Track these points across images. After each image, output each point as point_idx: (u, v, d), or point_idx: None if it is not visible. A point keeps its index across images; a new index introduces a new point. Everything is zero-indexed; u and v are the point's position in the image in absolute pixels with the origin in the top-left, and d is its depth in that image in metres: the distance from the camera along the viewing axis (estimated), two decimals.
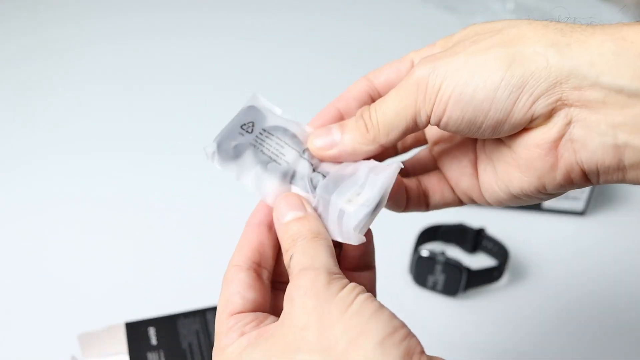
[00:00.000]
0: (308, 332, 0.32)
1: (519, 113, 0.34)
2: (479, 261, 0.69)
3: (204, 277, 0.66)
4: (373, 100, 0.41)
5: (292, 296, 0.34)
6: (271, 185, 0.38)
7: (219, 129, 0.38)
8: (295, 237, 0.36)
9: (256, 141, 0.38)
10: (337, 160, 0.39)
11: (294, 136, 0.39)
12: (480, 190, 0.40)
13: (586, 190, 0.73)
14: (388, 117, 0.37)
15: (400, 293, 0.66)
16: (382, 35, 1.04)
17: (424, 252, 0.64)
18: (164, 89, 0.92)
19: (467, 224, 0.69)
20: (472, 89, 0.34)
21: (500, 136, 0.36)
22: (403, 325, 0.32)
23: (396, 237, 0.69)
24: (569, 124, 0.33)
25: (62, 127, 0.85)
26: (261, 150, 0.38)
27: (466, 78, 0.34)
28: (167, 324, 0.56)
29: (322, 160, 0.39)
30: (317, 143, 0.39)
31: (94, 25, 1.04)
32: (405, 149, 0.45)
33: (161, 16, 1.06)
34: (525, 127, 0.34)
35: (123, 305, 0.62)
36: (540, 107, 0.33)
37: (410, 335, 0.32)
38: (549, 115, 0.33)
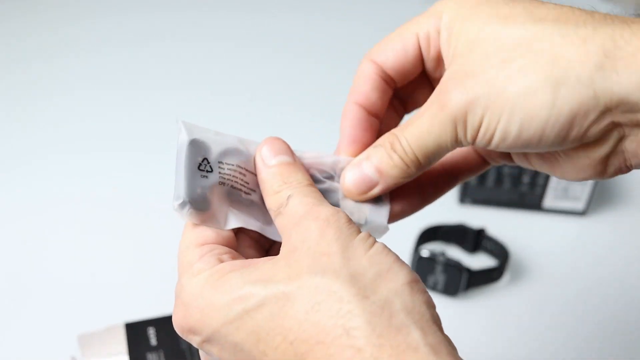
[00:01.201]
0: (331, 257, 0.30)
1: (569, 144, 0.33)
2: (479, 261, 0.69)
3: None
4: (388, 85, 0.39)
5: (308, 225, 0.32)
6: (254, 219, 0.36)
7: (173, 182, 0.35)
8: (289, 179, 0.34)
9: (222, 178, 0.35)
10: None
11: (247, 155, 0.36)
12: (508, 157, 0.39)
13: (587, 190, 0.72)
14: (427, 150, 0.35)
15: None
16: (383, 36, 1.03)
17: (425, 252, 0.64)
18: (163, 89, 0.92)
19: (468, 224, 0.69)
20: (517, 128, 0.32)
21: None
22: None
23: (396, 237, 0.68)
24: (621, 139, 0.33)
25: (62, 127, 0.85)
26: (231, 186, 0.35)
27: (509, 115, 0.32)
28: (167, 324, 0.56)
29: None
30: (353, 186, 0.37)
31: (93, 25, 1.04)
32: None
33: (161, 16, 1.06)
34: None
35: (123, 306, 0.62)
36: (591, 135, 0.32)
37: (427, 291, 0.31)
38: (600, 137, 0.33)
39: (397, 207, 0.40)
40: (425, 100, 0.36)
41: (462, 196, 0.74)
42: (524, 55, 0.32)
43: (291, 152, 0.37)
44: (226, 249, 0.34)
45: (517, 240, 0.70)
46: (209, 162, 0.35)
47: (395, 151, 0.36)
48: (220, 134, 0.35)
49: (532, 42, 0.32)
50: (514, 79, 0.32)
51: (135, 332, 0.55)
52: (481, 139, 0.33)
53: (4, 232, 0.70)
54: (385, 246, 0.32)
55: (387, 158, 0.36)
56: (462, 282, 0.64)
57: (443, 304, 0.65)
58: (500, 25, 0.33)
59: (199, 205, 0.34)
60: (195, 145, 0.34)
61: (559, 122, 0.31)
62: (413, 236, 0.68)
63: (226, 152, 0.35)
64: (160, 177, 0.78)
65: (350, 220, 0.32)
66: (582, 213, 0.74)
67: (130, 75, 0.94)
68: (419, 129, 0.35)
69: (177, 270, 0.35)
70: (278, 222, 0.34)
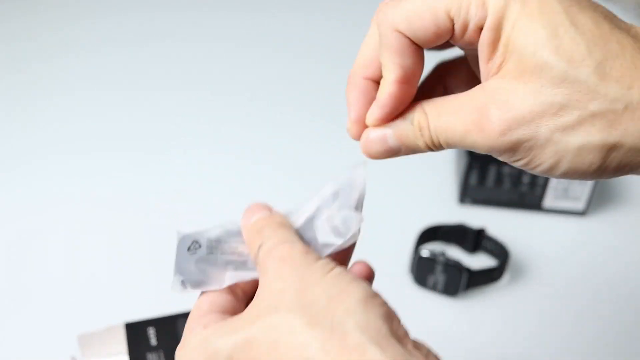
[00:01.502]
0: (285, 293, 0.32)
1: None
2: (479, 261, 0.69)
3: None
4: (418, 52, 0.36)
5: (266, 268, 0.33)
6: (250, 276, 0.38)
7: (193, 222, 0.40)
8: (261, 229, 0.36)
9: (211, 250, 0.39)
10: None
11: (239, 233, 0.39)
12: None
13: (587, 190, 0.72)
14: (454, 145, 0.34)
15: (400, 293, 0.66)
16: None
17: (425, 252, 0.64)
18: (163, 89, 0.92)
19: (468, 224, 0.69)
20: (560, 173, 0.32)
21: None
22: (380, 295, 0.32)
23: (396, 238, 0.69)
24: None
25: (62, 127, 0.85)
26: (221, 253, 0.38)
27: (555, 162, 0.32)
28: (167, 325, 0.56)
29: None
30: (376, 155, 0.36)
31: (93, 25, 1.04)
32: None
33: (161, 16, 1.06)
34: None
35: (122, 306, 0.62)
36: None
37: (388, 304, 0.32)
38: None
39: None
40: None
41: (462, 196, 0.74)
42: (581, 114, 0.31)
43: (267, 208, 0.38)
44: (217, 315, 0.35)
45: (517, 240, 0.70)
46: (197, 242, 0.39)
47: (422, 135, 0.35)
48: (219, 226, 0.40)
49: (591, 102, 0.31)
50: (568, 134, 0.31)
51: (135, 332, 0.55)
52: (518, 164, 0.33)
53: (4, 232, 0.70)
54: (344, 269, 0.33)
55: (412, 137, 0.35)
56: (462, 282, 0.64)
57: (443, 304, 0.65)
58: (561, 60, 0.31)
59: (194, 276, 0.38)
60: (186, 237, 0.39)
61: (603, 177, 0.32)
62: (413, 236, 0.68)
63: (218, 236, 0.39)
64: (160, 177, 0.79)
65: (307, 251, 0.33)
66: (582, 213, 0.74)
67: (130, 75, 0.94)
68: (452, 131, 0.34)
69: None
70: (258, 269, 0.35)
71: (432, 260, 0.64)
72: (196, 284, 0.38)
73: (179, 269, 0.39)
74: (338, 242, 0.36)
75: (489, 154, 0.33)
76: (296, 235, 0.36)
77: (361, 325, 0.30)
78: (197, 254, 0.39)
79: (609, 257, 0.71)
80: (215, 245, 0.39)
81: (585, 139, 0.31)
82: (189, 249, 0.39)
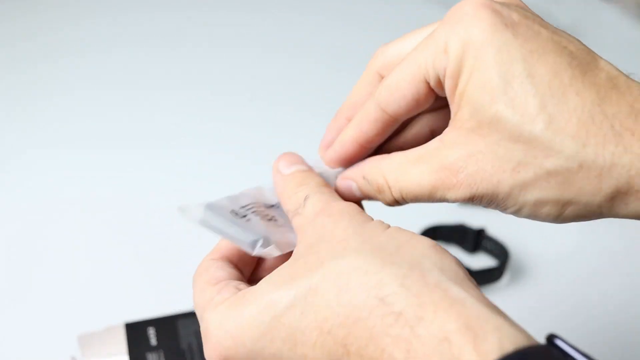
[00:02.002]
0: (349, 241, 0.30)
1: None
2: (479, 261, 0.69)
3: None
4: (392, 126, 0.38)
5: (322, 221, 0.32)
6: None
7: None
8: (305, 180, 0.35)
9: (254, 213, 0.37)
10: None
11: (258, 195, 0.38)
12: None
13: None
14: (416, 199, 0.35)
15: None
16: (383, 35, 1.03)
17: None
18: (164, 89, 0.92)
19: (468, 224, 0.69)
20: (519, 216, 0.34)
21: None
22: None
23: None
24: None
25: (63, 127, 0.85)
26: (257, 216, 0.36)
27: (513, 211, 0.34)
28: (167, 325, 0.56)
29: None
30: (350, 200, 0.36)
31: (93, 25, 1.04)
32: None
33: (160, 17, 1.06)
34: None
35: (122, 306, 0.62)
36: None
37: None
38: None
39: None
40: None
41: None
42: (536, 171, 0.31)
43: (305, 163, 0.37)
44: (240, 282, 0.34)
45: (517, 241, 0.70)
46: (234, 211, 0.36)
47: (383, 195, 0.36)
48: (227, 197, 0.37)
49: (546, 159, 0.31)
50: (526, 190, 0.31)
51: (135, 332, 0.55)
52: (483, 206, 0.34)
53: (3, 231, 0.70)
54: (401, 227, 0.32)
55: (374, 195, 0.36)
56: None
57: None
58: (516, 114, 0.30)
59: (266, 236, 0.35)
60: (214, 207, 0.36)
61: (564, 222, 0.33)
62: None
63: (239, 200, 0.37)
64: (160, 177, 0.78)
65: (362, 211, 0.33)
66: None
67: (130, 75, 0.94)
68: (418, 191, 0.34)
69: (195, 308, 0.34)
70: (295, 222, 0.34)
71: None
72: (273, 246, 0.34)
73: (244, 230, 0.35)
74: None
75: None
76: (336, 194, 0.35)
77: (438, 266, 0.29)
78: (247, 217, 0.36)
79: (610, 257, 0.71)
80: (248, 209, 0.36)
81: (541, 194, 0.31)
82: (234, 215, 0.36)
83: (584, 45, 0.33)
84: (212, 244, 0.69)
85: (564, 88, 0.30)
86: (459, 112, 0.32)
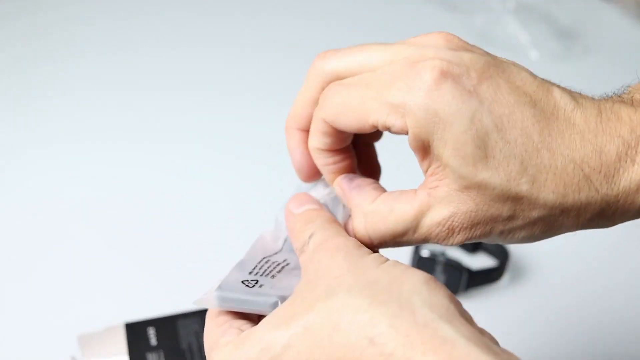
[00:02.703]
0: (343, 278, 0.30)
1: None
2: (480, 261, 0.69)
3: (204, 277, 0.66)
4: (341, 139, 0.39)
5: (319, 257, 0.32)
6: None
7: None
8: (312, 219, 0.35)
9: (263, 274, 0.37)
10: None
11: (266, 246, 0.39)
12: None
13: None
14: (381, 235, 0.36)
15: None
16: (382, 35, 1.03)
17: (425, 252, 0.64)
18: (164, 89, 0.92)
19: None
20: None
21: None
22: None
23: None
24: None
25: (63, 127, 0.85)
26: (269, 277, 0.37)
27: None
28: (167, 325, 0.56)
29: None
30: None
31: (93, 26, 1.04)
32: None
33: (161, 17, 1.06)
34: None
35: (122, 306, 0.62)
36: None
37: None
38: None
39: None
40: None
41: None
42: (525, 221, 0.34)
43: (316, 202, 0.37)
44: (244, 321, 0.34)
45: None
46: (245, 281, 0.36)
47: (356, 235, 0.36)
48: (235, 267, 0.38)
49: (532, 210, 0.34)
50: (515, 233, 0.35)
51: (135, 332, 0.55)
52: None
53: (3, 231, 0.70)
54: (397, 261, 0.32)
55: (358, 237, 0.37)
56: (462, 282, 0.64)
57: None
58: (502, 179, 0.33)
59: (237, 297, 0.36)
60: (225, 287, 0.36)
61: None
62: None
63: (246, 265, 0.38)
64: (160, 177, 0.78)
65: (360, 246, 0.33)
66: None
67: (130, 75, 0.94)
68: (386, 230, 0.35)
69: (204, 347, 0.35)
70: (300, 260, 0.34)
71: (432, 260, 0.64)
72: (240, 306, 0.35)
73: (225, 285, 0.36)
74: None
75: None
76: (343, 231, 0.35)
77: (428, 303, 0.29)
78: (260, 282, 0.37)
79: (610, 257, 0.71)
80: (260, 269, 0.37)
81: (529, 233, 0.35)
82: (246, 284, 0.37)
83: (530, 74, 0.34)
84: (212, 245, 0.70)
85: (537, 147, 0.33)
86: (442, 175, 0.34)
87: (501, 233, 0.35)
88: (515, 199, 0.33)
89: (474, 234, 0.34)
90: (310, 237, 0.34)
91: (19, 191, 0.76)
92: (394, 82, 0.34)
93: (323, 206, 0.37)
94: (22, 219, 0.72)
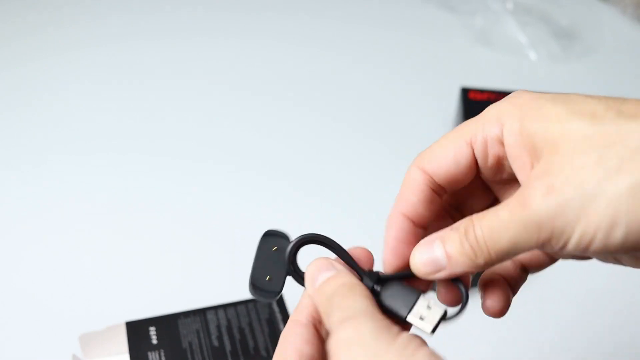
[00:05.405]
0: None
1: None
2: None
3: (205, 276, 0.66)
4: (439, 195, 0.37)
5: (336, 350, 0.31)
6: None
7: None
8: (331, 296, 0.33)
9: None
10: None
11: None
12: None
13: None
14: (501, 246, 0.32)
15: None
16: (382, 35, 1.04)
17: None
18: (164, 90, 0.92)
19: None
20: (621, 233, 0.29)
21: None
22: None
23: None
24: None
25: (62, 128, 0.85)
26: None
27: (612, 219, 0.29)
28: (168, 323, 0.56)
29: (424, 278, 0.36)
30: (421, 263, 0.35)
31: (94, 25, 1.04)
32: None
33: (160, 16, 1.06)
34: None
35: (123, 305, 0.62)
36: None
37: None
38: None
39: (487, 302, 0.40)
40: (481, 206, 0.36)
41: None
42: (621, 153, 0.29)
43: (331, 264, 0.35)
44: None
45: None
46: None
47: (467, 239, 0.33)
48: None
49: (629, 139, 0.29)
50: (613, 179, 0.29)
51: (136, 331, 0.55)
52: (575, 246, 0.30)
53: (4, 231, 0.70)
54: (431, 353, 0.30)
55: (458, 244, 0.34)
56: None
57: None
58: (586, 123, 0.30)
59: None
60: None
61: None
62: None
63: None
64: (160, 177, 0.79)
65: (377, 327, 0.31)
66: None
67: (130, 76, 0.94)
68: (496, 223, 0.32)
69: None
70: (328, 343, 0.32)
71: None
72: None
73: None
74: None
75: (541, 247, 0.32)
76: (368, 300, 0.33)
77: None
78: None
79: None
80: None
81: (634, 175, 0.29)
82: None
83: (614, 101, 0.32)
84: (212, 244, 0.70)
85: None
86: (531, 161, 0.32)
87: None
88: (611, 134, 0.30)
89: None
90: (328, 318, 0.33)
91: (19, 191, 0.76)
92: (488, 109, 0.35)
93: (339, 269, 0.35)
94: (23, 218, 0.72)
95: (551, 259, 0.40)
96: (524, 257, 0.40)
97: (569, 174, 0.30)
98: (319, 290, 0.34)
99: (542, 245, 0.31)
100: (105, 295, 0.64)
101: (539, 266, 0.41)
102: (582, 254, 0.32)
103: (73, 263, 0.67)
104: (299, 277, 0.37)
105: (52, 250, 0.69)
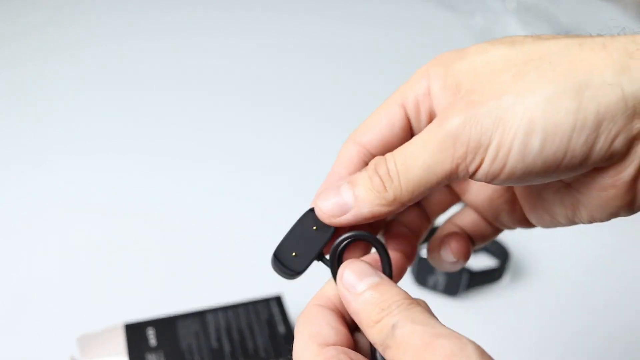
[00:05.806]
0: None
1: (597, 156, 0.29)
2: (480, 261, 0.69)
3: (204, 278, 0.66)
4: None
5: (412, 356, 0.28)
6: None
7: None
8: (387, 304, 0.30)
9: None
10: (350, 225, 0.33)
11: None
12: (524, 221, 0.38)
13: None
14: (414, 174, 0.31)
15: None
16: (382, 35, 1.03)
17: (425, 252, 0.64)
18: (164, 90, 0.92)
19: None
20: (539, 140, 0.28)
21: (568, 181, 0.32)
22: None
23: None
24: None
25: (62, 128, 0.85)
26: None
27: (528, 126, 0.28)
28: (167, 325, 0.56)
29: (332, 226, 0.33)
30: (325, 207, 0.33)
31: (94, 25, 1.04)
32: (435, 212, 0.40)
33: (160, 15, 1.06)
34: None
35: (122, 306, 0.61)
36: (619, 145, 0.29)
37: None
38: (626, 151, 0.29)
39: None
40: None
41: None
42: (539, 67, 0.29)
43: (375, 273, 0.32)
44: (352, 354, 0.31)
45: (517, 240, 0.70)
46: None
47: (378, 172, 0.32)
48: None
49: (547, 55, 0.29)
50: (531, 90, 0.29)
51: (134, 332, 0.55)
52: (491, 161, 0.30)
53: (3, 232, 0.70)
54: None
55: (367, 181, 0.32)
56: (463, 282, 0.64)
57: (443, 303, 0.65)
58: (506, 47, 0.31)
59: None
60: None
61: (586, 128, 0.28)
62: None
63: None
64: (159, 178, 0.78)
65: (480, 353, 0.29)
66: None
67: (130, 76, 0.94)
68: (411, 148, 0.31)
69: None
70: (388, 355, 0.29)
71: None
72: None
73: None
74: None
75: (456, 173, 0.31)
76: (427, 312, 0.31)
77: None
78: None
79: (609, 256, 0.71)
80: None
81: (550, 86, 0.29)
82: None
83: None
84: (212, 245, 0.69)
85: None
86: (454, 93, 0.32)
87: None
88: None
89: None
90: (394, 329, 0.29)
91: (18, 191, 0.76)
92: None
93: (385, 278, 0.32)
94: (21, 219, 0.72)
95: (494, 229, 0.41)
96: (465, 224, 0.40)
97: (487, 90, 0.30)
98: (365, 296, 0.31)
99: (456, 168, 0.30)
100: (103, 296, 0.64)
101: (482, 237, 0.41)
102: (496, 177, 0.30)
103: (72, 263, 0.67)
104: (334, 270, 0.34)
105: (51, 250, 0.68)
